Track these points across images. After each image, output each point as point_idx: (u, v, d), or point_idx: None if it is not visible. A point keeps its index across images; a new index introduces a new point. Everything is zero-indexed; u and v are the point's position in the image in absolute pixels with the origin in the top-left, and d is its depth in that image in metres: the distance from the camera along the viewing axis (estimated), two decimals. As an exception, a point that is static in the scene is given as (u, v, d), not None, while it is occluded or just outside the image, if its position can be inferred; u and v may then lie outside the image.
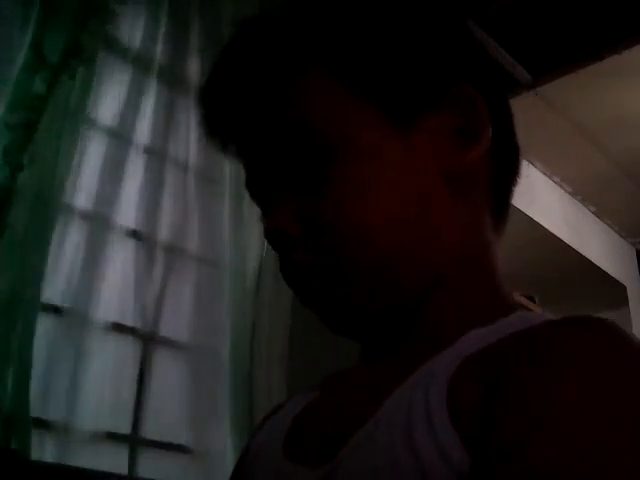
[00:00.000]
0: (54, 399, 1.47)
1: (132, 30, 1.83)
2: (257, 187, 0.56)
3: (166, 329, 1.75)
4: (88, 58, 1.60)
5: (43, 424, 1.45)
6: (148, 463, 1.65)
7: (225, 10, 2.01)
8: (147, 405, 1.67)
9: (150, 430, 1.68)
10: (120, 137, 1.74)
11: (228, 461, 1.68)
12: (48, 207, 1.49)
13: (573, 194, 3.69)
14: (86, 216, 1.63)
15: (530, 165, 3.28)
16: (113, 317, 1.65)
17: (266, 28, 0.55)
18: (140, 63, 1.83)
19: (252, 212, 1.90)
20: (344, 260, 0.50)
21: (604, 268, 3.77)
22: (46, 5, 1.56)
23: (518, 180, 0.58)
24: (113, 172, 1.69)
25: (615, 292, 3.85)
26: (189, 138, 1.89)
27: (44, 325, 1.48)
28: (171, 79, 1.89)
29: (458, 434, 0.40)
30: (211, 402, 1.74)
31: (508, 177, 0.58)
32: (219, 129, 0.57)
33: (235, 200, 1.90)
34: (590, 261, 3.66)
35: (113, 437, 1.61)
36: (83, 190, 1.63)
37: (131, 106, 1.77)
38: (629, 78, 2.90)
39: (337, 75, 0.52)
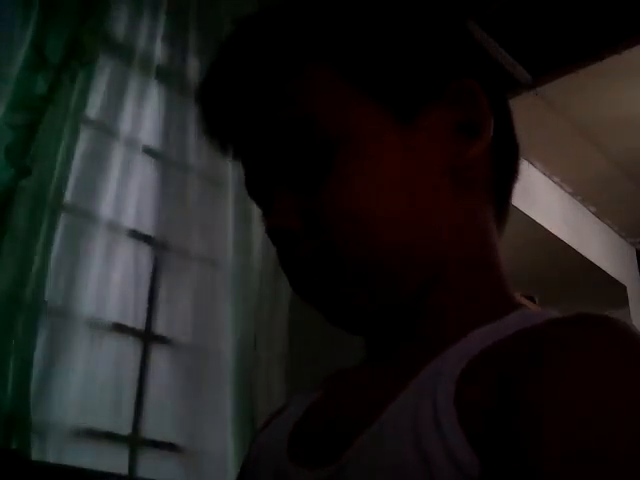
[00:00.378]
0: (54, 399, 1.47)
1: (132, 30, 1.83)
2: (257, 185, 0.56)
3: (166, 329, 1.75)
4: (88, 58, 1.60)
5: (43, 424, 1.45)
6: (148, 463, 1.65)
7: (224, 10, 2.01)
8: (147, 405, 1.67)
9: (150, 430, 1.68)
10: (122, 137, 1.74)
11: (228, 461, 1.68)
12: (49, 207, 1.49)
13: (573, 194, 3.69)
14: (86, 216, 1.63)
15: (530, 165, 3.28)
16: (113, 317, 1.65)
17: (267, 24, 0.55)
18: (140, 63, 1.83)
19: (254, 213, 1.90)
20: (344, 254, 0.50)
21: (604, 268, 3.77)
22: (46, 5, 1.56)
23: (518, 178, 0.58)
24: (114, 172, 1.69)
25: (615, 292, 3.85)
26: (189, 138, 1.89)
27: (44, 325, 1.49)
28: (171, 79, 1.89)
29: (466, 436, 0.40)
30: (211, 402, 1.74)
31: (508, 175, 0.58)
32: (219, 127, 0.57)
33: (237, 200, 1.90)
34: (590, 261, 3.66)
35: (113, 437, 1.61)
36: (83, 190, 1.63)
37: (131, 106, 1.77)
38: (629, 78, 2.90)
39: (339, 71, 0.52)
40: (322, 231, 0.50)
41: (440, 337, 0.48)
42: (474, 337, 0.46)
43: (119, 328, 1.67)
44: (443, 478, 0.39)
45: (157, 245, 1.77)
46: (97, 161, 1.67)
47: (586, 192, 3.68)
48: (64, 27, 1.56)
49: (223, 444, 1.71)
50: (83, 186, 1.63)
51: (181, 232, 1.81)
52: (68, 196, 1.57)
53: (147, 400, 1.68)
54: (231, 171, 1.92)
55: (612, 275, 3.84)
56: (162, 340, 1.74)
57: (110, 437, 1.60)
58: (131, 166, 1.74)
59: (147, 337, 1.73)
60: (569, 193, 3.67)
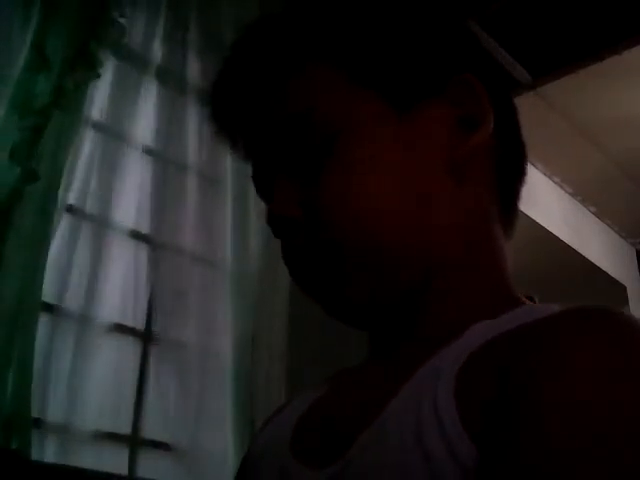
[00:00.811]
0: (54, 399, 1.47)
1: (132, 30, 1.83)
2: (262, 179, 0.57)
3: (167, 330, 1.75)
4: (91, 60, 1.60)
5: (43, 424, 1.45)
6: (148, 463, 1.65)
7: (224, 10, 2.01)
8: (147, 405, 1.67)
9: (150, 430, 1.68)
10: (120, 138, 1.74)
11: (229, 461, 1.68)
12: (50, 208, 1.49)
13: (573, 194, 3.69)
14: (87, 216, 1.63)
15: (530, 165, 3.27)
16: (114, 317, 1.65)
17: (272, 25, 0.57)
18: (140, 64, 1.83)
19: (254, 213, 1.90)
20: (343, 244, 0.50)
21: (604, 268, 3.77)
22: (47, 5, 1.56)
23: (525, 180, 0.58)
24: (114, 173, 1.69)
25: (615, 292, 3.85)
26: (189, 138, 1.89)
27: (45, 325, 1.49)
28: (170, 79, 1.89)
29: (467, 431, 0.40)
30: (211, 402, 1.74)
31: (514, 176, 0.58)
32: (228, 123, 0.59)
33: (237, 200, 1.90)
34: (590, 261, 3.66)
35: (113, 437, 1.61)
36: (84, 191, 1.63)
37: (131, 106, 1.77)
38: (629, 78, 2.89)
39: (340, 65, 0.53)
40: (321, 220, 0.51)
41: (441, 333, 0.48)
42: (474, 332, 0.46)
43: (119, 328, 1.67)
44: (444, 474, 0.39)
45: (156, 245, 1.77)
46: (97, 161, 1.67)
47: (586, 192, 3.68)
48: (66, 27, 1.56)
49: (223, 444, 1.71)
50: (83, 186, 1.63)
51: (180, 232, 1.81)
52: (69, 197, 1.57)
53: (147, 400, 1.68)
54: (230, 171, 1.92)
55: (612, 275, 3.84)
56: (162, 340, 1.74)
57: (110, 437, 1.60)
58: (131, 166, 1.74)
59: (147, 337, 1.73)
60: (569, 193, 3.67)
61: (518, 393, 0.39)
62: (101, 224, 1.65)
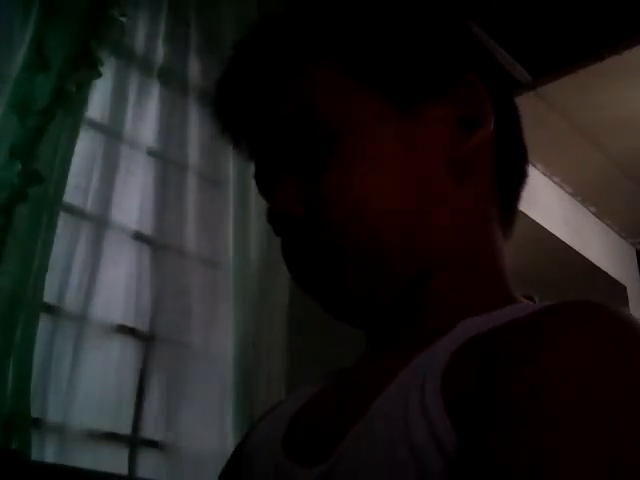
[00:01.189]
0: (54, 399, 1.47)
1: (132, 31, 1.83)
2: (265, 177, 0.57)
3: (167, 330, 1.75)
4: (91, 59, 1.60)
5: (43, 424, 1.45)
6: (148, 463, 1.65)
7: (225, 11, 2.01)
8: (147, 405, 1.67)
9: (150, 430, 1.67)
10: (122, 138, 1.74)
11: (228, 461, 1.68)
12: (51, 208, 1.49)
13: (573, 195, 3.69)
14: (88, 217, 1.63)
15: (530, 166, 3.27)
16: (114, 318, 1.65)
17: (276, 24, 0.58)
18: (141, 64, 1.83)
19: (255, 214, 1.90)
20: (343, 241, 0.51)
21: (604, 268, 3.77)
22: (46, 5, 1.56)
23: (525, 183, 0.58)
24: (115, 173, 1.69)
25: (615, 292, 3.85)
26: (191, 139, 1.89)
27: (45, 325, 1.48)
28: (172, 80, 1.89)
29: (452, 422, 0.40)
30: (211, 402, 1.74)
31: (514, 179, 0.58)
32: (231, 122, 0.59)
33: (238, 201, 1.90)
34: (590, 261, 3.66)
35: (113, 437, 1.61)
36: (85, 191, 1.63)
37: (133, 107, 1.77)
38: (629, 78, 2.89)
39: (343, 64, 0.53)
40: (322, 218, 0.51)
41: (434, 330, 0.48)
42: (465, 327, 0.47)
43: (120, 329, 1.67)
44: (430, 464, 0.39)
45: (157, 245, 1.77)
46: (97, 161, 1.67)
47: (586, 192, 3.68)
48: (66, 26, 1.56)
49: (223, 444, 1.71)
50: (83, 187, 1.63)
51: (181, 232, 1.81)
52: (69, 197, 1.57)
53: (147, 400, 1.68)
54: (232, 172, 1.92)
55: (612, 275, 3.84)
56: (162, 340, 1.74)
57: (110, 437, 1.60)
58: (132, 167, 1.74)
59: (147, 337, 1.73)
60: (569, 193, 3.67)
61: (495, 381, 0.39)
62: (102, 224, 1.65)
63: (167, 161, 1.84)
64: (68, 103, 1.51)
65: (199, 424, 1.71)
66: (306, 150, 0.52)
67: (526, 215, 3.09)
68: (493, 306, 0.49)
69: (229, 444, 1.71)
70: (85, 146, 1.65)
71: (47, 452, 1.44)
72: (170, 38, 1.91)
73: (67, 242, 1.57)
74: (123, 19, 1.70)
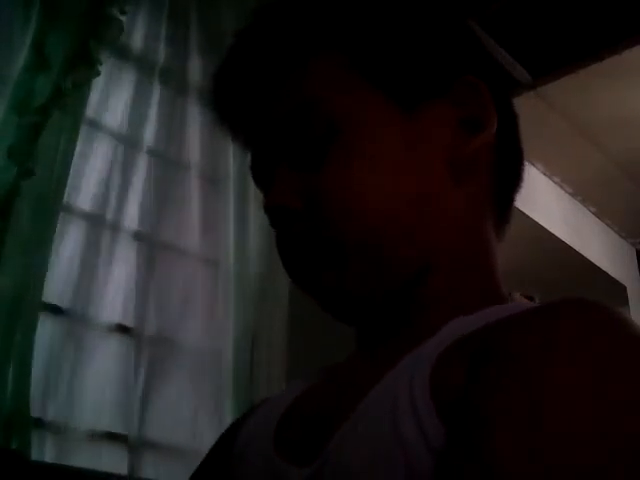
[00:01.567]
0: (54, 399, 1.47)
1: (133, 31, 1.83)
2: (261, 167, 0.57)
3: (167, 330, 1.75)
4: (92, 62, 1.60)
5: (43, 424, 1.45)
6: (148, 463, 1.65)
7: (225, 11, 2.01)
8: (147, 405, 1.67)
9: (150, 430, 1.67)
10: (122, 138, 1.74)
11: (228, 461, 1.68)
12: (51, 208, 1.49)
13: (573, 194, 3.69)
14: (88, 217, 1.63)
15: (530, 166, 3.28)
16: (114, 318, 1.65)
17: (280, 14, 0.57)
18: (141, 64, 1.83)
19: (256, 214, 1.90)
20: (342, 238, 0.51)
21: (604, 268, 3.77)
22: (47, 5, 1.56)
23: (521, 184, 0.59)
24: (115, 173, 1.69)
25: (615, 292, 3.85)
26: (192, 139, 1.89)
27: (44, 325, 1.48)
28: (173, 80, 1.89)
29: (440, 418, 0.40)
30: (211, 402, 1.74)
31: (510, 181, 0.58)
32: (230, 111, 0.59)
33: (238, 200, 1.90)
34: (590, 261, 3.66)
35: (113, 437, 1.61)
36: (85, 191, 1.63)
37: (133, 107, 1.77)
38: (629, 78, 2.89)
39: (347, 59, 0.53)
40: (321, 213, 0.51)
41: (426, 327, 0.48)
42: (454, 326, 0.47)
43: (119, 328, 1.67)
44: (419, 459, 0.39)
45: (157, 245, 1.77)
46: (98, 161, 1.67)
47: (586, 192, 3.68)
48: (66, 27, 1.56)
49: (223, 444, 1.70)
50: (83, 186, 1.63)
51: (181, 232, 1.81)
52: (70, 197, 1.57)
53: (147, 400, 1.68)
54: (231, 171, 1.92)
55: (612, 275, 3.84)
56: (162, 340, 1.74)
57: (110, 437, 1.60)
58: (131, 166, 1.74)
59: (147, 337, 1.73)
60: (569, 193, 3.67)
61: (479, 378, 0.39)
62: (101, 224, 1.65)
63: (167, 160, 1.84)
64: (66, 101, 1.51)
65: (199, 424, 1.71)
66: (306, 143, 0.52)
67: (526, 215, 3.09)
68: (485, 305, 0.49)
69: (229, 444, 1.71)
70: (85, 146, 1.65)
71: (47, 452, 1.44)
72: (170, 38, 1.91)
73: (66, 242, 1.57)
74: (123, 18, 1.70)
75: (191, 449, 1.68)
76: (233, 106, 0.59)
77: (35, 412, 1.40)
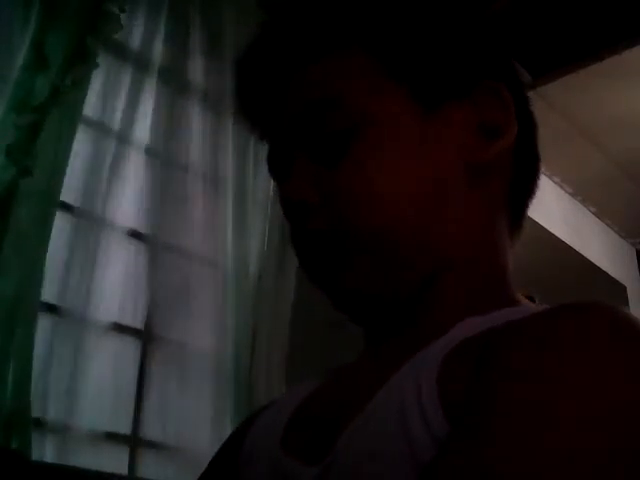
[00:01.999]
0: (54, 399, 1.47)
1: (132, 30, 1.83)
2: (279, 159, 0.57)
3: (167, 330, 1.75)
4: (89, 58, 1.60)
5: (43, 424, 1.45)
6: (148, 463, 1.65)
7: (226, 10, 2.01)
8: (147, 405, 1.67)
9: (150, 430, 1.67)
10: (121, 137, 1.74)
11: (228, 461, 1.68)
12: (49, 207, 1.49)
13: (573, 194, 3.69)
14: (87, 216, 1.63)
15: (530, 165, 3.26)
16: (113, 317, 1.65)
17: (304, 7, 0.57)
18: (141, 63, 1.83)
19: (254, 213, 1.90)
20: (356, 232, 0.51)
21: (604, 268, 3.77)
22: (46, 5, 1.56)
23: (536, 190, 0.59)
24: (114, 172, 1.69)
25: (615, 292, 3.85)
26: (190, 138, 1.89)
27: (44, 325, 1.48)
28: (172, 79, 1.89)
29: (447, 418, 0.40)
30: (211, 402, 1.74)
31: (526, 188, 0.58)
32: (252, 100, 0.59)
33: (238, 201, 1.90)
34: (590, 261, 3.65)
35: (113, 437, 1.61)
36: (84, 190, 1.63)
37: (132, 106, 1.77)
38: (629, 78, 2.89)
39: (372, 55, 0.53)
40: (338, 200, 0.51)
41: (435, 328, 0.48)
42: (464, 326, 0.47)
43: (119, 328, 1.67)
44: (427, 458, 0.39)
45: (156, 245, 1.77)
46: (96, 161, 1.67)
47: (586, 192, 3.68)
48: (65, 27, 1.56)
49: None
50: (82, 186, 1.63)
51: (180, 232, 1.81)
52: (68, 196, 1.57)
53: (147, 400, 1.68)
54: (231, 171, 1.92)
55: (612, 275, 3.84)
56: (162, 340, 1.74)
57: (110, 437, 1.60)
58: (131, 166, 1.74)
59: (147, 337, 1.73)
60: (569, 193, 3.67)
61: (489, 379, 0.39)
62: (100, 223, 1.65)
63: (166, 160, 1.83)
64: (64, 99, 1.51)
65: (199, 424, 1.71)
66: (327, 137, 0.52)
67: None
68: (494, 308, 0.49)
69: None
70: (84, 145, 1.65)
71: (47, 452, 1.44)
72: (170, 38, 1.91)
73: (65, 241, 1.57)
74: (122, 14, 1.70)
75: (191, 449, 1.68)
76: (255, 96, 0.59)
77: (35, 412, 1.40)
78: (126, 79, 1.79)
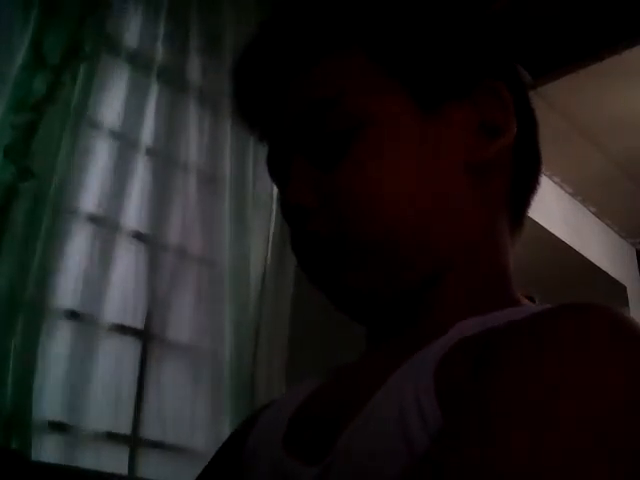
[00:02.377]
0: (54, 399, 1.47)
1: (132, 30, 1.83)
2: (278, 161, 0.57)
3: (167, 330, 1.75)
4: (88, 58, 1.60)
5: (44, 424, 1.45)
6: (148, 463, 1.65)
7: (225, 10, 2.01)
8: (147, 405, 1.67)
9: (150, 430, 1.67)
10: (121, 138, 1.74)
11: (228, 461, 1.67)
12: (49, 208, 1.49)
13: (573, 194, 3.69)
14: (88, 217, 1.63)
15: (530, 165, 3.26)
16: (114, 318, 1.65)
17: (304, 7, 0.57)
18: (140, 63, 1.83)
19: (254, 213, 1.90)
20: (356, 234, 0.51)
21: (604, 268, 3.77)
22: (46, 5, 1.56)
23: (537, 188, 0.59)
24: (114, 173, 1.69)
25: (615, 292, 3.84)
26: (190, 138, 1.88)
27: (45, 325, 1.48)
28: (171, 79, 1.89)
29: (444, 417, 0.40)
30: (211, 402, 1.74)
31: (526, 187, 0.59)
32: (251, 101, 0.59)
33: (237, 201, 1.90)
34: (590, 261, 3.65)
35: (113, 437, 1.61)
36: (84, 191, 1.63)
37: (131, 106, 1.77)
38: (629, 78, 2.89)
39: (372, 56, 0.53)
40: (337, 202, 0.51)
41: (435, 328, 0.48)
42: (464, 326, 0.47)
43: (118, 328, 1.67)
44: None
45: (155, 244, 1.76)
46: (97, 161, 1.67)
47: (586, 192, 3.67)
48: (64, 26, 1.56)
49: (223, 444, 1.70)
50: (82, 186, 1.63)
51: (179, 231, 1.81)
52: (67, 196, 1.57)
53: (147, 400, 1.68)
54: (229, 171, 1.92)
55: (612, 275, 3.84)
56: (162, 340, 1.74)
57: (110, 437, 1.60)
58: (130, 165, 1.74)
59: (147, 337, 1.73)
60: (569, 193, 3.67)
61: (487, 379, 0.39)
62: (100, 223, 1.65)
63: (165, 160, 1.83)
64: (62, 98, 1.51)
65: (199, 424, 1.71)
66: (326, 138, 0.52)
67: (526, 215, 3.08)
68: (495, 308, 0.49)
69: (229, 444, 1.71)
70: (84, 145, 1.64)
71: (47, 452, 1.44)
72: (170, 38, 1.91)
73: (66, 242, 1.57)
74: (121, 14, 1.70)
75: (191, 449, 1.68)
76: (253, 98, 0.59)
77: (36, 412, 1.40)
78: (126, 79, 1.78)
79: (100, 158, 1.68)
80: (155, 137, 1.82)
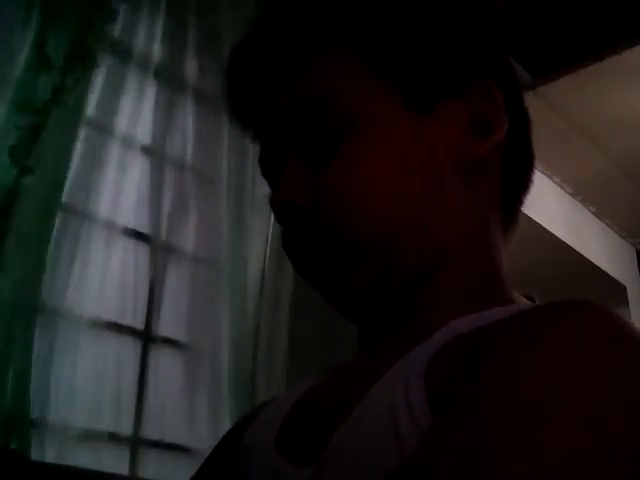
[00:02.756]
0: (54, 399, 1.47)
1: (131, 30, 1.83)
2: (270, 161, 0.57)
3: (166, 329, 1.75)
4: (90, 58, 1.60)
5: (43, 424, 1.45)
6: (149, 463, 1.65)
7: (223, 10, 2.01)
8: (147, 405, 1.67)
9: (150, 430, 1.67)
10: (118, 136, 1.74)
11: (228, 461, 1.68)
12: (51, 208, 1.49)
13: (573, 194, 3.69)
14: (87, 216, 1.63)
15: (530, 165, 3.26)
16: (113, 317, 1.65)
17: (297, 6, 0.57)
18: (139, 63, 1.83)
19: (251, 212, 1.90)
20: (345, 232, 0.51)
21: (604, 268, 3.77)
22: (47, 5, 1.56)
23: (530, 186, 0.59)
24: (112, 172, 1.69)
25: (615, 292, 3.85)
26: (187, 137, 1.88)
27: (44, 325, 1.48)
28: (169, 79, 1.89)
29: (434, 416, 0.40)
30: (211, 402, 1.74)
31: (519, 185, 0.58)
32: (243, 100, 0.59)
33: (234, 200, 1.90)
34: (590, 261, 3.65)
35: (113, 437, 1.61)
36: (82, 190, 1.63)
37: (130, 106, 1.77)
38: (629, 78, 2.89)
39: (362, 54, 0.54)
40: (328, 206, 0.51)
41: (428, 326, 0.48)
42: (458, 324, 0.47)
43: (118, 328, 1.67)
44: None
45: (155, 244, 1.77)
46: (95, 160, 1.67)
47: (586, 192, 3.68)
48: (66, 27, 1.56)
49: (223, 444, 1.70)
50: (81, 186, 1.63)
51: (178, 231, 1.81)
52: (67, 196, 1.57)
53: (147, 400, 1.68)
54: (227, 170, 1.92)
55: (612, 275, 3.84)
56: (162, 340, 1.74)
57: (111, 437, 1.60)
58: (128, 165, 1.74)
59: (147, 337, 1.73)
60: (569, 193, 3.67)
61: (475, 377, 0.38)
62: (99, 223, 1.65)
63: (162, 159, 1.83)
64: (66, 100, 1.51)
65: (199, 424, 1.71)
66: (317, 137, 0.52)
67: (526, 215, 3.08)
68: (488, 305, 0.49)
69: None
70: (83, 145, 1.64)
71: (47, 452, 1.44)
72: (168, 37, 1.90)
73: (65, 241, 1.57)
74: (120, 13, 1.70)
75: (191, 449, 1.68)
76: (245, 97, 0.59)
77: (35, 412, 1.40)
78: (124, 78, 1.78)
79: (98, 157, 1.68)
80: (153, 136, 1.82)
